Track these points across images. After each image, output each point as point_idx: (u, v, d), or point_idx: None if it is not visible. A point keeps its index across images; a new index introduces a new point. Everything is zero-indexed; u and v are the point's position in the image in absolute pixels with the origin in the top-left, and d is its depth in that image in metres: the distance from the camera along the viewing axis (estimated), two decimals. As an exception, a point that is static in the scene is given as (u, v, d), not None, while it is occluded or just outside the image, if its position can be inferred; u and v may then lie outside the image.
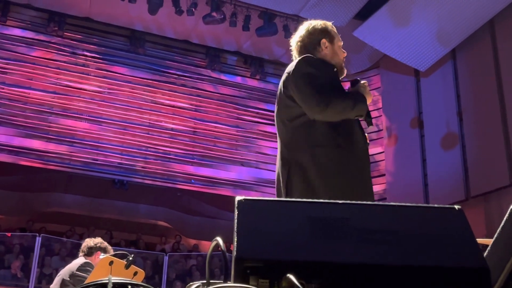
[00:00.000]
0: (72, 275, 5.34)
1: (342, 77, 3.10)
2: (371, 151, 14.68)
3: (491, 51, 11.94)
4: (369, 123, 2.99)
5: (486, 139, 11.58)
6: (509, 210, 1.86)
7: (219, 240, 1.71)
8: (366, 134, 3.10)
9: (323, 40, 3.05)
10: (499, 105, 11.43)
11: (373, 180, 13.49)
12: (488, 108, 11.69)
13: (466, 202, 11.63)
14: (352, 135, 2.94)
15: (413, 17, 12.27)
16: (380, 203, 1.79)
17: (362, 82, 3.06)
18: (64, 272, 5.48)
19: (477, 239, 1.72)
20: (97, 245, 5.57)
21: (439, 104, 13.00)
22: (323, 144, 2.86)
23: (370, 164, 3.10)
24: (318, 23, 3.11)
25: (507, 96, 11.35)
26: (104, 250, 5.50)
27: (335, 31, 3.14)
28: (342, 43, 3.13)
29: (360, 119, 3.00)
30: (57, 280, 5.50)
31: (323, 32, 3.07)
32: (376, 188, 14.37)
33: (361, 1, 12.52)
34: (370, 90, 3.02)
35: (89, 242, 5.66)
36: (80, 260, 5.55)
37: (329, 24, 3.14)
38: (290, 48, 3.23)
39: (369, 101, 2.98)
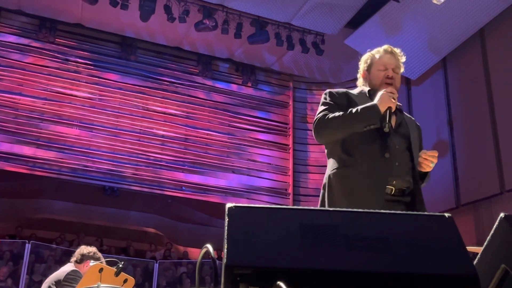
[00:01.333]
0: (58, 283, 5.29)
1: (382, 91, 3.07)
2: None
3: (481, 60, 12.01)
4: (385, 127, 2.92)
5: (477, 147, 11.63)
6: (499, 218, 1.87)
7: (209, 247, 1.71)
8: (394, 145, 3.05)
9: (362, 72, 3.33)
10: (489, 113, 11.49)
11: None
12: (478, 117, 11.75)
13: (456, 210, 11.67)
14: (362, 154, 2.96)
15: (404, 26, 12.33)
16: (371, 210, 1.79)
17: (382, 91, 3.05)
18: (50, 280, 5.43)
19: (467, 247, 1.72)
20: (90, 254, 5.53)
21: (430, 113, 13.05)
22: (335, 167, 3.01)
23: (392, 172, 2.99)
24: (364, 55, 3.35)
25: (497, 104, 11.41)
26: (96, 260, 5.46)
27: (376, 56, 3.27)
28: (382, 63, 3.22)
29: (372, 127, 2.95)
30: (43, 287, 5.45)
31: (362, 64, 3.32)
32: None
33: (353, 10, 12.58)
34: (392, 95, 3.01)
35: (83, 249, 5.62)
36: (68, 267, 5.50)
37: (370, 52, 3.31)
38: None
39: (383, 105, 2.95)
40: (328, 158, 3.12)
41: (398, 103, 3.11)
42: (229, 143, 14.94)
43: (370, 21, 12.61)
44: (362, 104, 3.00)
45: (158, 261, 12.57)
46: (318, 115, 3.05)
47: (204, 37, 13.83)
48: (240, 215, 1.70)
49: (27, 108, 13.31)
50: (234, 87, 15.54)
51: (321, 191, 3.09)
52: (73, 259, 5.59)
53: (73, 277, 5.28)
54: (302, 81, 16.08)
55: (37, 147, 13.11)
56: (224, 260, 1.56)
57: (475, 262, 1.83)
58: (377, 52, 3.27)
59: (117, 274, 4.82)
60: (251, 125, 15.22)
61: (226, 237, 1.62)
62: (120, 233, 14.36)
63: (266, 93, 15.71)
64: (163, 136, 14.35)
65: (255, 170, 14.85)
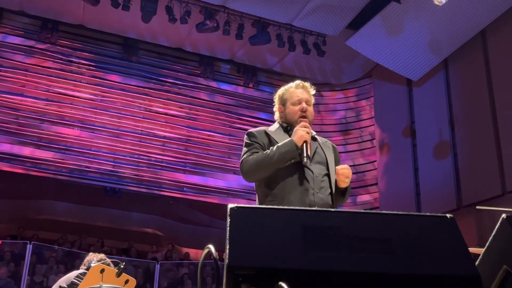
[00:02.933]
0: (69, 284, 5.31)
1: (297, 127, 3.29)
2: (364, 159, 14.76)
3: (483, 61, 12.00)
4: (303, 160, 3.13)
5: (478, 148, 11.62)
6: (500, 219, 1.87)
7: (211, 247, 1.71)
8: (317, 178, 3.23)
9: (277, 107, 3.54)
10: (490, 114, 11.48)
11: (365, 189, 13.46)
12: (480, 118, 11.74)
13: (457, 212, 11.65)
14: (284, 189, 3.15)
15: (405, 27, 12.33)
16: (372, 211, 1.79)
17: (297, 127, 3.27)
18: (62, 280, 5.45)
19: (469, 249, 1.72)
20: (100, 261, 5.52)
21: (431, 114, 13.05)
22: (261, 202, 3.24)
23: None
24: (277, 92, 3.57)
25: (498, 105, 11.40)
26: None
27: (289, 91, 3.48)
28: (296, 98, 3.43)
29: (293, 161, 3.15)
30: (55, 287, 5.47)
31: (277, 100, 3.54)
32: (368, 197, 14.41)
33: (354, 11, 12.57)
34: (306, 130, 3.22)
35: (92, 257, 5.62)
36: (80, 270, 5.52)
37: (284, 88, 3.54)
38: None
39: (299, 139, 3.16)
40: (258, 195, 3.33)
41: (312, 131, 3.33)
42: (230, 144, 14.93)
43: (372, 22, 12.60)
44: (280, 141, 3.23)
45: (159, 262, 12.57)
46: (243, 157, 3.27)
47: (205, 38, 13.84)
48: (242, 216, 1.70)
49: (29, 109, 13.32)
50: (235, 88, 15.54)
51: None
52: (83, 267, 5.60)
53: (83, 278, 5.29)
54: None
55: (39, 148, 13.12)
56: (226, 261, 1.56)
57: (477, 263, 1.83)
58: (290, 87, 3.50)
59: (118, 275, 4.82)
60: (253, 126, 15.16)
61: (228, 237, 1.62)
62: (122, 234, 14.36)
63: (268, 94, 15.69)
64: (164, 137, 14.35)
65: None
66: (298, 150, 3.13)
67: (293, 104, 3.41)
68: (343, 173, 3.25)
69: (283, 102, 3.48)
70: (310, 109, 3.43)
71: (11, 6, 13.37)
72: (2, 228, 13.37)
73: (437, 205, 11.97)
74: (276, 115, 3.55)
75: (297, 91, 3.45)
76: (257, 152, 3.24)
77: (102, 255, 5.67)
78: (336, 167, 3.31)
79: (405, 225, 1.75)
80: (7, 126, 13.00)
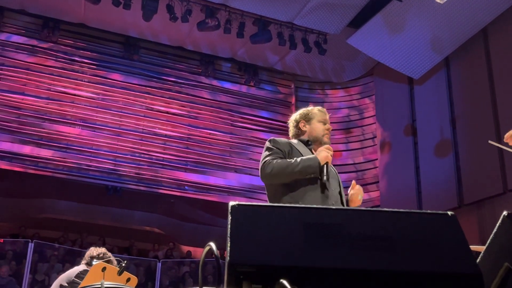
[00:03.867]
0: (70, 282, 5.31)
1: (322, 148, 3.55)
2: (365, 157, 14.76)
3: (484, 59, 11.99)
4: (322, 179, 3.37)
5: (479, 146, 11.60)
6: (502, 216, 1.87)
7: (212, 245, 1.71)
8: (336, 197, 3.49)
9: (299, 123, 3.76)
10: (492, 112, 11.48)
11: (366, 187, 13.46)
12: (481, 116, 11.73)
13: (459, 210, 11.65)
14: (305, 193, 3.35)
15: (406, 25, 12.32)
16: (374, 209, 1.79)
17: (322, 147, 3.51)
18: (62, 278, 5.45)
19: (470, 246, 1.72)
20: (100, 255, 5.52)
21: (433, 112, 13.04)
22: (276, 200, 3.41)
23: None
24: (301, 110, 3.84)
25: (500, 103, 11.40)
26: (108, 262, 5.44)
27: (315, 111, 3.76)
28: (323, 118, 3.73)
29: (313, 175, 3.37)
30: (54, 285, 5.47)
31: (302, 116, 3.77)
32: (370, 195, 14.40)
33: (355, 9, 12.56)
34: (330, 152, 3.48)
35: (92, 251, 5.61)
36: (81, 267, 5.51)
37: (310, 107, 3.82)
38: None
39: (322, 159, 3.40)
40: (270, 197, 3.52)
41: None
42: (232, 142, 14.94)
43: (373, 20, 12.59)
44: (303, 153, 3.50)
45: (161, 261, 12.58)
46: (265, 159, 3.47)
47: (206, 37, 13.84)
48: (243, 214, 1.70)
49: (30, 108, 13.32)
50: (236, 86, 15.53)
51: None
52: (83, 261, 5.59)
53: (83, 276, 5.29)
54: (305, 81, 16.07)
55: (40, 147, 13.13)
56: (227, 258, 1.56)
57: (478, 260, 1.83)
58: (313, 109, 3.79)
59: (120, 273, 4.82)
60: (254, 124, 15.21)
61: (229, 235, 1.62)
62: (123, 233, 14.36)
63: (269, 92, 15.71)
64: (165, 135, 14.36)
65: (258, 170, 14.80)
66: (319, 167, 3.38)
67: (319, 122, 3.69)
68: (357, 191, 3.60)
69: (307, 119, 3.72)
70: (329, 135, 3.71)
71: (12, 5, 13.38)
72: (3, 226, 13.39)
73: (439, 203, 11.97)
74: (292, 132, 3.78)
75: (323, 114, 3.74)
76: (279, 158, 3.45)
77: (103, 249, 5.66)
78: (353, 188, 3.65)
79: (406, 222, 1.75)
80: (8, 124, 13.01)
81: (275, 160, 3.41)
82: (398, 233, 1.70)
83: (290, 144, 3.56)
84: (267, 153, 3.50)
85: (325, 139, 3.64)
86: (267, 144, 3.58)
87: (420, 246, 1.66)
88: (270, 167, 3.38)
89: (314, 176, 3.36)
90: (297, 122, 3.74)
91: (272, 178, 3.40)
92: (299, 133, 3.72)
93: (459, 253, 1.66)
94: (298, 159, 3.37)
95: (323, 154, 3.42)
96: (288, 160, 3.40)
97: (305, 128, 3.69)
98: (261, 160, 3.51)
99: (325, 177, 3.35)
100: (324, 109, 3.82)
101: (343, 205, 3.48)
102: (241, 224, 1.66)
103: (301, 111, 3.80)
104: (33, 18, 13.84)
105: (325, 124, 3.69)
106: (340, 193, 3.54)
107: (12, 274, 11.03)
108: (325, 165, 3.39)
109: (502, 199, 10.91)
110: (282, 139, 3.63)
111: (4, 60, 13.45)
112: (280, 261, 1.58)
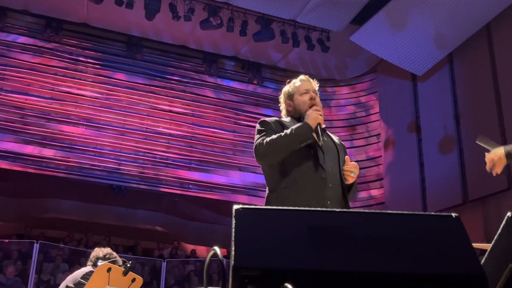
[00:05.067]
0: (76, 283, 5.32)
1: (309, 110, 3.38)
2: (369, 155, 14.75)
3: (488, 55, 11.97)
4: (319, 140, 3.21)
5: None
6: (506, 217, 1.86)
7: (217, 249, 1.71)
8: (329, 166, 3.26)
9: (285, 103, 3.59)
10: (496, 108, 11.46)
11: (371, 184, 13.43)
12: (485, 112, 11.71)
13: (463, 206, 11.64)
14: (300, 176, 3.16)
15: (410, 22, 12.30)
16: (378, 211, 1.79)
17: (309, 110, 3.35)
18: (69, 279, 5.45)
19: (474, 244, 1.72)
20: (106, 256, 5.51)
21: (436, 108, 13.02)
22: (274, 189, 3.21)
23: (335, 191, 3.21)
24: (283, 89, 3.63)
25: (504, 99, 11.37)
26: (113, 262, 5.45)
27: (295, 84, 3.56)
28: (303, 88, 3.51)
29: (306, 143, 3.18)
30: (62, 286, 5.48)
31: (284, 96, 3.60)
32: (374, 193, 14.40)
33: (358, 6, 12.54)
34: (319, 112, 3.32)
35: (98, 252, 5.61)
36: (87, 268, 5.52)
37: (288, 85, 3.61)
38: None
39: (313, 122, 3.23)
40: (267, 181, 3.33)
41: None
42: (235, 141, 14.94)
43: (376, 17, 12.58)
44: (282, 129, 3.29)
45: (165, 260, 12.60)
46: (257, 141, 3.26)
47: (209, 35, 13.84)
48: (247, 217, 1.70)
49: (34, 108, 13.35)
50: (239, 84, 15.54)
51: None
52: (89, 263, 5.59)
53: (90, 277, 5.30)
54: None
55: (44, 147, 13.16)
56: (232, 262, 1.56)
57: (482, 261, 1.82)
58: (295, 82, 3.58)
59: (125, 273, 4.83)
60: (257, 122, 15.20)
61: (233, 238, 1.63)
62: (128, 232, 14.39)
63: (272, 90, 15.69)
64: (169, 134, 14.38)
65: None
66: (312, 131, 3.19)
67: (301, 94, 3.48)
68: (353, 167, 3.28)
69: (290, 96, 3.54)
70: (318, 99, 3.49)
71: (15, 5, 13.40)
72: (8, 227, 13.43)
73: (443, 200, 11.96)
74: (283, 112, 3.60)
75: (303, 84, 3.53)
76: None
77: (108, 249, 5.65)
78: (346, 166, 3.32)
79: (410, 224, 1.75)
80: (12, 125, 13.04)
81: (265, 139, 3.22)
82: (402, 235, 1.70)
83: (281, 122, 3.40)
84: (258, 136, 3.31)
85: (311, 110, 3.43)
86: (258, 126, 3.40)
87: (424, 248, 1.66)
88: (262, 146, 3.19)
89: (310, 141, 3.18)
90: (284, 103, 3.60)
91: (267, 155, 3.20)
92: (288, 113, 3.55)
93: (463, 255, 1.66)
94: (288, 130, 3.19)
95: (313, 115, 3.27)
96: (278, 134, 3.21)
97: (291, 106, 3.52)
98: (254, 143, 3.33)
99: (321, 139, 3.20)
100: (304, 76, 3.61)
101: (343, 183, 3.26)
102: (245, 227, 1.66)
103: (284, 89, 3.63)
104: (36, 18, 13.87)
105: (307, 93, 3.48)
106: (339, 171, 3.30)
107: (18, 274, 11.07)
108: (318, 127, 3.23)
109: (507, 195, 10.90)
110: (272, 118, 3.47)
111: (7, 60, 13.48)
112: (284, 264, 1.58)
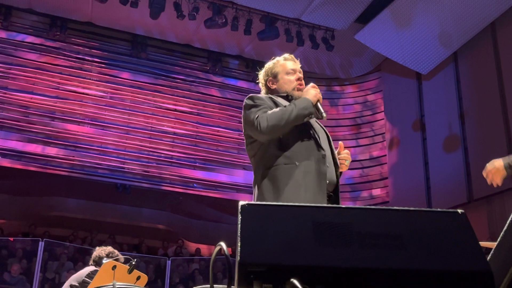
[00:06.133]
0: (81, 282, 5.34)
1: (298, 95, 3.31)
2: (374, 153, 14.74)
3: (493, 54, 11.94)
4: (320, 116, 3.18)
5: (488, 141, 11.57)
6: (511, 216, 1.86)
7: (223, 245, 1.71)
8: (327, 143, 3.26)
9: (268, 80, 3.49)
10: (501, 107, 11.44)
11: (375, 183, 13.42)
12: (490, 110, 11.69)
13: (468, 205, 11.62)
14: (301, 152, 3.11)
15: (414, 20, 12.28)
16: (383, 207, 1.79)
17: (308, 86, 3.29)
18: (73, 278, 5.48)
19: (479, 243, 1.72)
20: (109, 255, 5.54)
21: (441, 107, 13.00)
22: (272, 164, 3.12)
23: (333, 169, 3.20)
24: (265, 66, 3.55)
25: (508, 98, 11.35)
26: (115, 260, 5.47)
27: (280, 63, 3.49)
28: (290, 68, 3.44)
29: (308, 118, 3.16)
30: (65, 286, 5.50)
31: (267, 73, 3.50)
32: (379, 192, 14.38)
33: (363, 5, 12.53)
34: (315, 88, 3.25)
35: (100, 251, 5.63)
36: (91, 268, 5.55)
37: (271, 62, 3.54)
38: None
39: (313, 98, 3.17)
40: (259, 160, 3.24)
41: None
42: (240, 139, 14.93)
43: (380, 16, 12.56)
44: (286, 104, 3.19)
45: (170, 258, 12.62)
46: (256, 115, 3.13)
47: (214, 34, 13.84)
48: (253, 213, 1.70)
49: (39, 107, 13.38)
50: (244, 83, 15.53)
51: (255, 190, 3.21)
52: (92, 263, 5.62)
53: (94, 276, 5.33)
54: (312, 77, 15.99)
55: (49, 145, 13.19)
56: (238, 258, 1.57)
57: (488, 258, 1.82)
58: (278, 61, 3.51)
59: (130, 271, 4.85)
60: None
61: (239, 234, 1.63)
62: (132, 230, 14.42)
63: (276, 89, 15.66)
64: (173, 133, 14.39)
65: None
66: (313, 105, 3.14)
67: (288, 74, 3.42)
68: (345, 156, 3.30)
69: (274, 74, 3.45)
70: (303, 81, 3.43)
71: (19, 4, 13.43)
72: (13, 225, 13.47)
73: (448, 199, 11.94)
74: (263, 91, 3.50)
75: (288, 63, 3.46)
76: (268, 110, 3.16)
77: (109, 248, 5.68)
78: (341, 153, 3.34)
79: (416, 221, 1.75)
80: (17, 123, 13.08)
81: (266, 113, 3.11)
82: (408, 232, 1.70)
83: (272, 98, 3.30)
84: (253, 109, 3.18)
85: (298, 91, 3.35)
86: (249, 102, 3.26)
87: (430, 244, 1.66)
88: (265, 121, 3.06)
89: (312, 117, 3.17)
90: (265, 81, 3.48)
91: (272, 130, 3.07)
92: (270, 91, 3.44)
93: (469, 251, 1.65)
94: (291, 105, 3.12)
95: (312, 92, 3.21)
96: (280, 108, 3.13)
97: (274, 85, 3.42)
98: (247, 119, 3.20)
99: (324, 113, 3.14)
100: (289, 55, 3.55)
101: (337, 165, 3.23)
102: (251, 223, 1.67)
103: (266, 66, 3.53)
104: (41, 17, 13.89)
105: (294, 73, 3.42)
106: (332, 153, 3.27)
107: (23, 273, 11.10)
108: (318, 103, 3.18)
109: (512, 194, 10.88)
110: (262, 95, 3.39)
111: (12, 59, 13.52)
112: (290, 260, 1.59)
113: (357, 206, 2.07)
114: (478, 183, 11.72)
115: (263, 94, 3.47)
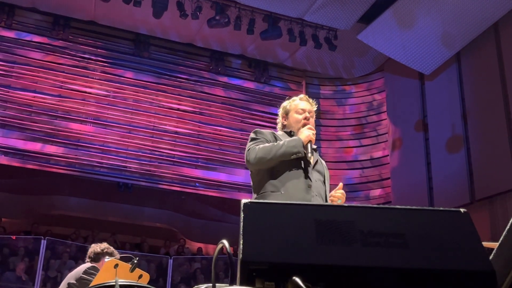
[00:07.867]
0: (78, 279, 5.35)
1: (304, 128, 3.63)
2: (376, 154, 14.72)
3: (496, 54, 11.92)
4: (308, 155, 3.44)
5: (491, 142, 11.55)
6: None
7: (225, 243, 1.72)
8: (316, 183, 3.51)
9: (281, 117, 3.90)
10: (503, 107, 11.41)
11: (378, 183, 13.41)
12: (492, 111, 11.67)
13: (471, 206, 11.60)
14: (288, 181, 3.40)
15: (417, 20, 12.27)
16: (386, 206, 1.79)
17: (304, 128, 3.59)
18: (70, 276, 5.49)
19: (482, 243, 1.72)
20: (104, 250, 5.56)
21: (444, 107, 12.98)
22: (262, 191, 3.45)
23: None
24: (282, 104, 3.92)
25: (511, 98, 11.32)
26: (111, 255, 5.50)
27: (293, 103, 3.84)
28: (300, 107, 3.76)
29: (297, 156, 3.41)
30: (63, 284, 5.51)
31: (282, 110, 3.90)
32: (381, 192, 14.37)
33: (365, 5, 12.52)
34: (310, 130, 3.56)
35: (95, 247, 5.65)
36: (87, 265, 5.56)
37: (288, 101, 3.89)
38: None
39: (305, 138, 3.47)
40: (255, 186, 3.57)
41: (313, 145, 3.58)
42: (242, 139, 14.93)
43: (383, 16, 12.55)
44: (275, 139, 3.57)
45: (172, 257, 12.62)
46: (249, 147, 3.52)
47: (216, 34, 13.84)
48: (255, 211, 1.71)
49: (42, 106, 13.39)
50: (246, 83, 15.53)
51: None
52: (88, 259, 5.63)
53: (92, 272, 5.34)
54: (315, 77, 16.04)
55: (51, 144, 13.20)
56: (240, 256, 1.57)
57: (490, 257, 1.82)
58: (294, 100, 3.86)
59: (132, 270, 4.85)
60: (264, 121, 15.18)
61: (241, 233, 1.63)
62: (134, 229, 14.42)
63: (279, 89, 15.68)
64: (176, 132, 14.39)
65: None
66: (303, 145, 3.43)
67: (297, 113, 3.74)
68: (341, 194, 3.55)
69: (286, 112, 3.83)
70: (312, 120, 3.73)
71: (22, 3, 13.44)
72: (16, 224, 13.49)
73: (450, 199, 11.92)
74: (279, 126, 3.89)
75: (301, 103, 3.79)
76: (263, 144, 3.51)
77: (104, 244, 5.71)
78: (336, 191, 3.58)
79: (418, 219, 1.75)
80: (20, 122, 13.09)
81: (258, 146, 3.47)
82: (411, 230, 1.70)
83: (274, 134, 3.66)
84: (251, 142, 3.58)
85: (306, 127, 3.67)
86: (252, 135, 3.67)
87: (432, 243, 1.66)
88: (254, 152, 3.42)
89: (299, 155, 3.41)
90: (281, 117, 3.87)
91: (258, 162, 3.42)
92: (283, 127, 3.84)
93: (472, 250, 1.65)
94: (282, 142, 3.45)
95: (306, 132, 3.51)
96: (272, 143, 3.47)
97: (285, 122, 3.81)
98: (246, 149, 3.57)
99: (309, 154, 3.41)
100: (304, 96, 3.89)
101: (326, 199, 3.51)
102: (253, 221, 1.67)
103: (283, 104, 3.91)
104: (44, 16, 13.90)
105: (303, 113, 3.72)
106: (324, 183, 3.58)
107: (25, 271, 11.11)
108: (309, 144, 3.45)
109: (514, 194, 10.86)
110: (266, 130, 3.74)
111: (15, 58, 13.54)
112: (292, 258, 1.59)
113: (359, 205, 2.10)
114: (480, 183, 11.71)
115: (278, 127, 3.89)
